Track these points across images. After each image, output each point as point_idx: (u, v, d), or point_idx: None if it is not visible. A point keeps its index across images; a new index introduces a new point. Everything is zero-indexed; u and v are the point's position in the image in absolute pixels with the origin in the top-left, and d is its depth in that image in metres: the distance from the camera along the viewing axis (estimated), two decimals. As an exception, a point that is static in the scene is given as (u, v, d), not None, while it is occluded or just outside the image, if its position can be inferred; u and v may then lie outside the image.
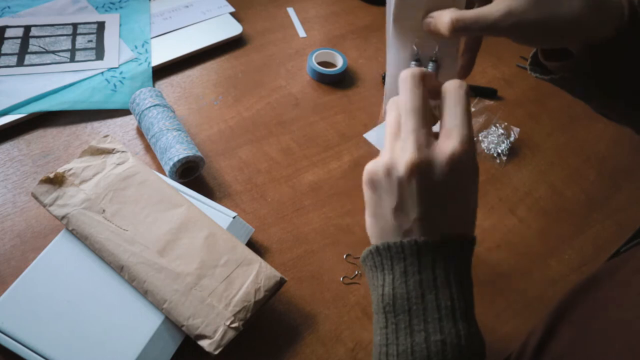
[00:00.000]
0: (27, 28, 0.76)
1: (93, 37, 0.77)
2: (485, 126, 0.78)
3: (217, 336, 0.47)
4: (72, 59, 0.73)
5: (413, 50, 0.43)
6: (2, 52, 0.72)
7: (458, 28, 0.38)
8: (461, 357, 0.35)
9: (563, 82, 0.46)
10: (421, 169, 0.35)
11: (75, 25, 0.78)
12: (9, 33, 0.75)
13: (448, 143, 0.35)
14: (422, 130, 0.36)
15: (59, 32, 0.77)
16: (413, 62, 0.43)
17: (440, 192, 0.36)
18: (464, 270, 0.37)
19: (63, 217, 0.52)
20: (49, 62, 0.72)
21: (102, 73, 0.73)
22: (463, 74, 0.46)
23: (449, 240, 0.36)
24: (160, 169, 0.63)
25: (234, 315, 0.48)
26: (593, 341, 0.41)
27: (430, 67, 0.43)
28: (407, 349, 0.35)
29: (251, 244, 0.59)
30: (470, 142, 0.36)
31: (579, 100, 0.49)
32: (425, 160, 0.35)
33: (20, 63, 0.71)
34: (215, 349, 0.46)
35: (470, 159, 0.36)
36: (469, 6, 0.41)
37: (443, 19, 0.39)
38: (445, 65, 0.44)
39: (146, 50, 0.77)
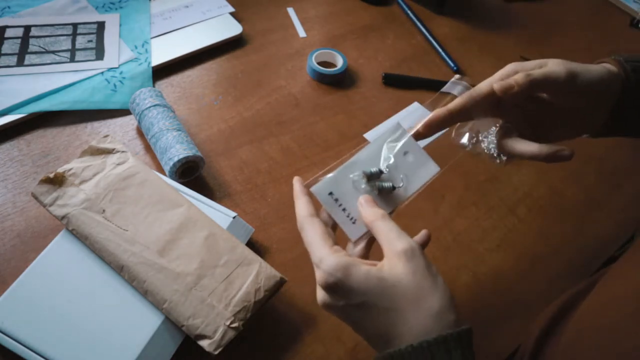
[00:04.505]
0: (27, 28, 0.76)
1: (93, 37, 0.77)
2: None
3: (217, 336, 0.47)
4: (72, 59, 0.73)
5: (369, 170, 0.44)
6: (2, 52, 0.72)
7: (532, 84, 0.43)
8: None
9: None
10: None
11: (75, 25, 0.78)
12: (9, 33, 0.75)
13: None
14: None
15: (59, 32, 0.77)
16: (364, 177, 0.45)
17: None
18: None
19: (63, 217, 0.52)
20: (49, 62, 0.72)
21: (102, 73, 0.73)
22: None
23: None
24: (160, 169, 0.63)
25: (234, 315, 0.48)
26: (591, 342, 0.41)
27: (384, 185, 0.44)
28: None
29: (251, 244, 0.59)
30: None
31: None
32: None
33: (20, 63, 0.71)
34: (215, 349, 0.46)
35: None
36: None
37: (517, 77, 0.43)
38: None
39: (146, 50, 0.77)
